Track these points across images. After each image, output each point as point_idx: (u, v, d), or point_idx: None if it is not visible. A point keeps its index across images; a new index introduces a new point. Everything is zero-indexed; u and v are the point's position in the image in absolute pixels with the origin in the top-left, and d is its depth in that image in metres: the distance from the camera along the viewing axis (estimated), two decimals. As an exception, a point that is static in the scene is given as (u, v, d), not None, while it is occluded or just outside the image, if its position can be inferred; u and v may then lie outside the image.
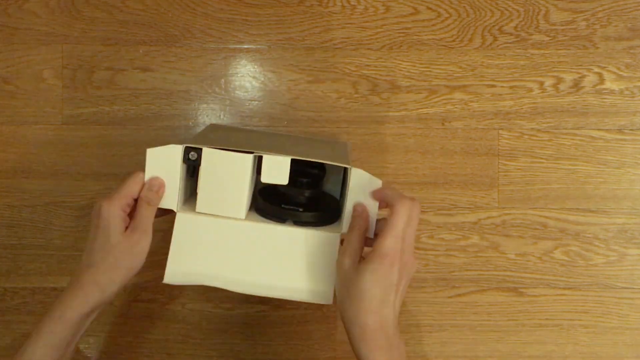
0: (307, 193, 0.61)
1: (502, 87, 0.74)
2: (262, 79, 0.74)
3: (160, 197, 0.57)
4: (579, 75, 0.74)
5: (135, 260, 0.55)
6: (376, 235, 0.56)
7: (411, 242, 0.53)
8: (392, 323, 0.52)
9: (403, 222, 0.52)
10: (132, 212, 0.57)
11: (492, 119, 0.73)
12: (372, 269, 0.51)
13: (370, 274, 0.51)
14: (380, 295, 0.51)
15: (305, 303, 0.72)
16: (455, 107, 0.73)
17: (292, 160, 0.56)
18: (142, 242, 0.55)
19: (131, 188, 0.56)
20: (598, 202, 0.73)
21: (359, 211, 0.56)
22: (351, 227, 0.56)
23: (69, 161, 0.73)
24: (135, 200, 0.57)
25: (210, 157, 0.57)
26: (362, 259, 0.54)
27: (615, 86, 0.73)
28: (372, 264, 0.51)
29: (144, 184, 0.57)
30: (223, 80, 0.74)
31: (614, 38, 0.74)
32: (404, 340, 0.54)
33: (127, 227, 0.55)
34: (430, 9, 0.74)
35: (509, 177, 0.73)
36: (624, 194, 0.73)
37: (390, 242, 0.51)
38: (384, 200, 0.56)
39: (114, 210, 0.54)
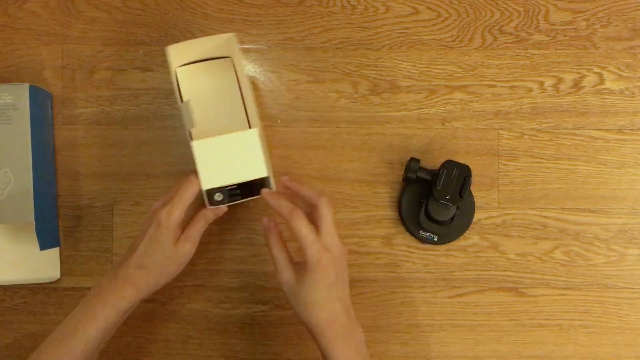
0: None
1: (502, 87, 0.74)
2: (262, 78, 0.74)
3: (206, 223, 0.63)
4: (579, 75, 0.74)
5: (179, 269, 0.61)
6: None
7: (334, 235, 0.58)
8: (343, 314, 0.57)
9: (306, 228, 0.56)
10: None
11: (492, 119, 0.73)
12: (310, 278, 0.56)
13: (310, 282, 0.56)
14: (324, 294, 0.56)
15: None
16: (455, 107, 0.73)
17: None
18: (188, 255, 0.61)
19: (189, 196, 0.60)
20: (598, 202, 0.73)
21: (268, 226, 0.61)
22: (269, 244, 0.60)
23: (69, 161, 0.73)
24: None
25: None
26: (294, 264, 0.59)
27: (615, 86, 0.73)
28: (309, 274, 0.56)
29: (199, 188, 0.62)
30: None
31: (614, 38, 0.74)
32: (360, 327, 0.59)
33: (179, 235, 0.61)
34: (430, 9, 0.74)
35: (509, 177, 0.73)
36: (624, 194, 0.73)
37: (311, 249, 0.56)
38: (305, 197, 0.61)
39: (173, 224, 0.59)
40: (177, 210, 0.59)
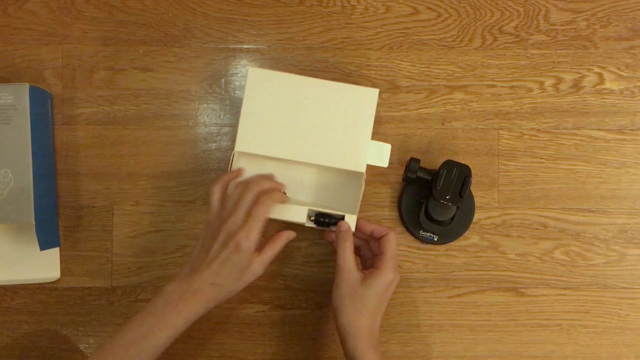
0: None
1: (502, 87, 0.74)
2: (262, 79, 0.74)
3: (282, 244, 0.63)
4: (579, 75, 0.74)
5: (245, 284, 0.61)
6: (376, 256, 0.65)
7: (397, 262, 0.63)
8: (378, 327, 0.63)
9: (394, 250, 0.63)
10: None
11: (492, 119, 0.73)
12: (379, 284, 0.61)
13: (376, 288, 0.61)
14: (377, 305, 0.62)
15: (305, 303, 0.72)
16: (455, 107, 0.73)
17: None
18: (258, 271, 0.61)
19: (266, 216, 0.60)
20: (598, 202, 0.73)
21: (345, 228, 0.64)
22: (343, 246, 0.63)
23: (69, 161, 0.73)
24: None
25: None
26: (359, 270, 0.63)
27: (615, 86, 0.73)
28: (379, 280, 0.61)
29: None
30: (223, 80, 0.74)
31: (614, 38, 0.74)
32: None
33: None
34: (430, 9, 0.74)
35: (509, 177, 0.73)
36: (624, 194, 0.73)
37: (392, 264, 0.62)
38: (374, 234, 0.65)
39: (251, 249, 0.59)
40: (256, 233, 0.59)
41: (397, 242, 0.63)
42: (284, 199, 0.63)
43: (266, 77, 0.66)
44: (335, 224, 0.64)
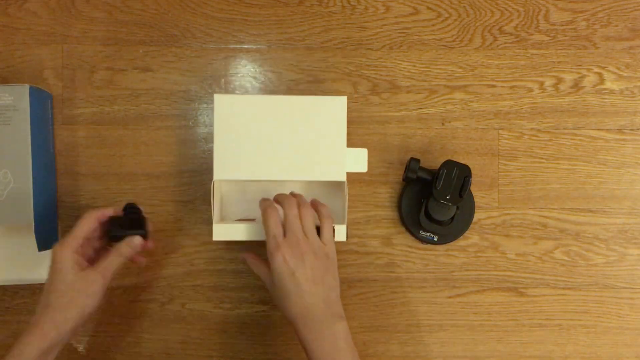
0: None
1: (502, 87, 0.74)
2: (262, 79, 0.74)
3: (133, 254, 0.63)
4: (579, 75, 0.74)
5: (88, 300, 0.58)
6: None
7: (295, 233, 0.59)
8: (316, 307, 0.57)
9: (273, 224, 0.59)
10: (86, 250, 0.62)
11: (492, 119, 0.73)
12: (271, 272, 0.58)
13: (273, 277, 0.58)
14: (289, 289, 0.57)
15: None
16: (455, 107, 0.73)
17: None
18: (97, 284, 0.59)
19: (82, 230, 0.60)
20: (598, 202, 0.73)
21: (245, 256, 0.65)
22: (250, 264, 0.64)
23: (69, 161, 0.73)
24: (88, 240, 0.61)
25: None
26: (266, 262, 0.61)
27: (615, 86, 0.73)
28: (270, 269, 0.59)
29: (98, 220, 0.62)
30: (223, 80, 0.74)
31: (614, 38, 0.74)
32: (345, 320, 0.58)
33: (85, 266, 0.60)
34: (430, 9, 0.74)
35: (509, 177, 0.73)
36: (624, 194, 0.73)
37: (269, 244, 0.58)
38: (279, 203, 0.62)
39: (66, 254, 0.58)
40: (70, 242, 0.59)
41: (294, 212, 0.60)
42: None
43: (233, 101, 0.66)
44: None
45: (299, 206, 0.61)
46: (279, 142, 0.66)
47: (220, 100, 0.66)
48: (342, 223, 0.65)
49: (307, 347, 0.57)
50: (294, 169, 0.65)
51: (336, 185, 0.67)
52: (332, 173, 0.65)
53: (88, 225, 0.61)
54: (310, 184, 0.69)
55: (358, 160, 0.68)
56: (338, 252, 0.71)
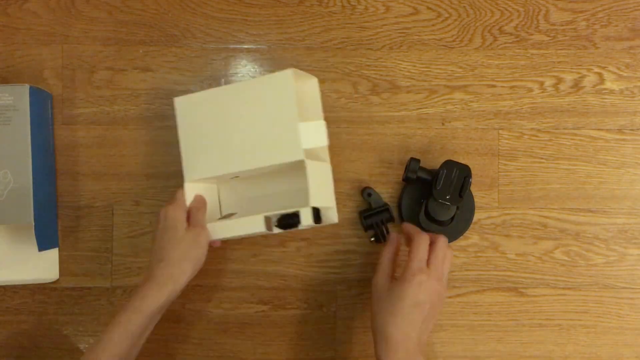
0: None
1: (502, 87, 0.74)
2: (262, 79, 0.74)
3: (205, 206, 0.67)
4: (579, 75, 0.74)
5: (200, 251, 0.63)
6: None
7: (438, 270, 0.60)
8: (413, 341, 0.58)
9: (423, 250, 0.61)
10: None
11: (492, 119, 0.73)
12: (400, 289, 0.59)
13: (399, 293, 0.59)
14: (406, 312, 0.58)
15: (305, 303, 0.72)
16: (455, 107, 0.73)
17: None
18: (203, 235, 0.63)
19: (184, 199, 0.66)
20: (598, 202, 0.73)
21: (394, 238, 0.65)
22: (384, 251, 0.65)
23: (69, 161, 0.73)
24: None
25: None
26: (393, 278, 0.62)
27: (615, 86, 0.73)
28: (401, 284, 0.59)
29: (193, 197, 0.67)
30: (223, 80, 0.74)
31: (614, 38, 0.74)
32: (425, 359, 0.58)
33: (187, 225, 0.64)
34: (430, 9, 0.74)
35: (509, 177, 0.73)
36: (624, 194, 0.73)
37: (415, 264, 0.60)
38: (407, 234, 0.66)
39: (179, 213, 0.64)
40: (180, 205, 0.64)
41: (444, 252, 0.61)
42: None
43: (191, 101, 0.67)
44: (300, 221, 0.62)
45: (444, 249, 0.62)
46: (238, 132, 0.65)
47: (180, 103, 0.67)
48: (306, 205, 0.61)
49: None
50: (256, 156, 0.64)
51: (300, 166, 0.62)
52: (289, 153, 0.62)
53: (185, 197, 0.66)
54: (278, 173, 0.67)
55: (318, 134, 0.64)
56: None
